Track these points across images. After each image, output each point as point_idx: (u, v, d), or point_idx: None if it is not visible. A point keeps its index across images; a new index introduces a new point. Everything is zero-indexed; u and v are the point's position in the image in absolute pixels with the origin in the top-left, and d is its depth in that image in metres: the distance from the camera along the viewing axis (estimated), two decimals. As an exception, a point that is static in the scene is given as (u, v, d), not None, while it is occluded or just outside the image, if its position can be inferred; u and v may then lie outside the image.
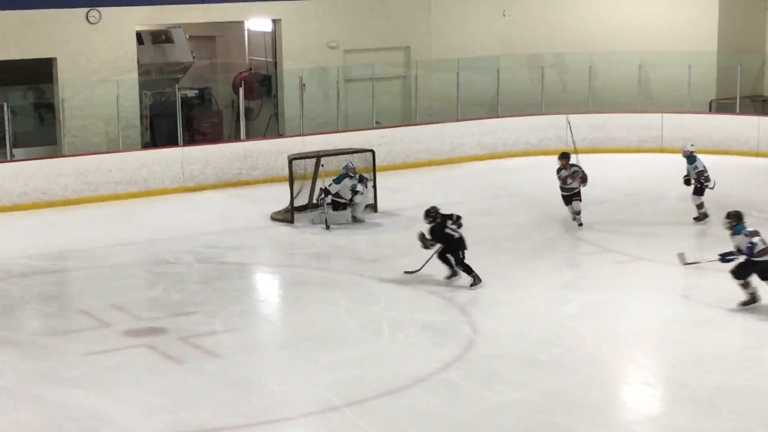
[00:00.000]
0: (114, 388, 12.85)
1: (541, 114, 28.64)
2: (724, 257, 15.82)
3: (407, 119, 29.09)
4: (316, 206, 21.53)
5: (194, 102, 27.76)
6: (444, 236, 16.90)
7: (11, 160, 23.97)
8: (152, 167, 24.50)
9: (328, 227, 20.61)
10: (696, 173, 20.63)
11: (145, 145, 26.51)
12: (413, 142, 27.32)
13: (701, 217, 20.69)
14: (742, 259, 15.59)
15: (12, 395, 12.75)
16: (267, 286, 18.30)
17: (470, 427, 11.60)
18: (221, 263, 18.65)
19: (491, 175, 26.13)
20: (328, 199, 20.91)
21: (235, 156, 25.34)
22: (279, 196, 22.16)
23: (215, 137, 27.44)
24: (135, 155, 24.66)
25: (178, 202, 23.79)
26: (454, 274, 17.10)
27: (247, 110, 27.64)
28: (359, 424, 11.67)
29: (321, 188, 21.16)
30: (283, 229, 20.96)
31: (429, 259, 17.11)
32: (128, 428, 11.67)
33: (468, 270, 16.87)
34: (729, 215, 15.92)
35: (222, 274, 17.82)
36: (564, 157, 20.42)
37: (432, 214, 16.96)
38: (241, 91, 26.72)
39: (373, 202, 22.10)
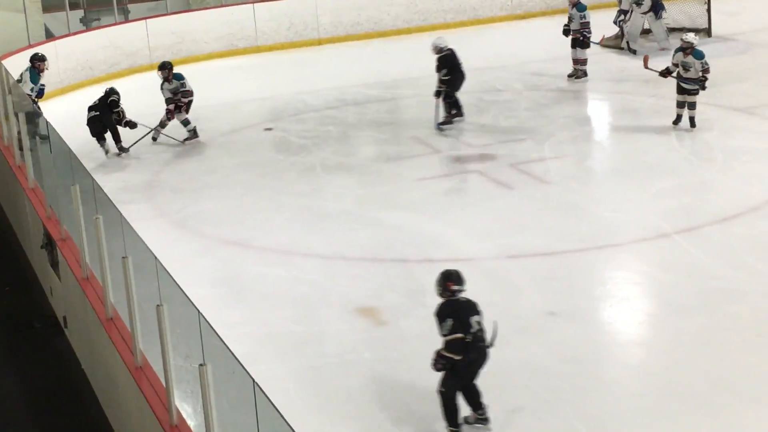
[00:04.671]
0: (447, 213, 13.20)
1: None
2: None
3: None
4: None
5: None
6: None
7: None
8: (481, -5, 24.52)
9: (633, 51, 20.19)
10: (581, 23, 18.79)
11: (475, -27, 26.47)
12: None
13: (578, 75, 18.96)
14: None
15: (351, 218, 13.32)
16: (596, 114, 18.14)
17: (808, 256, 11.23)
18: (550, 90, 18.60)
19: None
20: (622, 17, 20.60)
21: (564, -19, 24.95)
22: (608, 23, 21.70)
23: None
24: (464, -17, 24.72)
25: (507, 30, 23.76)
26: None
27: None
28: (690, 252, 11.53)
29: (619, 9, 20.63)
30: (612, 55, 20.60)
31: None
32: (462, 251, 11.94)
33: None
34: None
35: (551, 101, 17.81)
36: None
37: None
38: None
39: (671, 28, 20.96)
